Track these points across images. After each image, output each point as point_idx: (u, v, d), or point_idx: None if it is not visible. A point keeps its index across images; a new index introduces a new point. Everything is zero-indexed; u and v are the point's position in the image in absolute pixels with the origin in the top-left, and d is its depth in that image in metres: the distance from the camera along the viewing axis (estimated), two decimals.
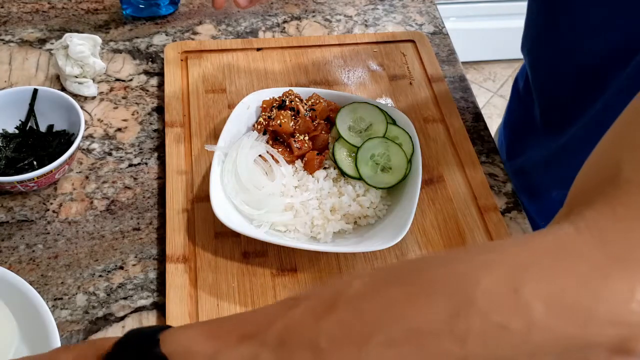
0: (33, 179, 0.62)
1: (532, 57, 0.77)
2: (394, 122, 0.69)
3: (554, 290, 0.27)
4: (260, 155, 0.65)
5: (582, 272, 0.28)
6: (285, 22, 0.90)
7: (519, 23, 0.77)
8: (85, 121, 0.69)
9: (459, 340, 0.27)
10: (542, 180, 0.78)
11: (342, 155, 0.66)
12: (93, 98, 0.76)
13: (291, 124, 0.66)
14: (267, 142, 0.67)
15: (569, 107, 0.71)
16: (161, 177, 0.69)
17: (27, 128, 0.68)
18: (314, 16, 0.91)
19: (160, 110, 0.76)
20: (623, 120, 0.34)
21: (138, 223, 0.65)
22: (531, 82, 0.80)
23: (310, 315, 0.30)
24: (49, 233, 0.63)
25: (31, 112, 0.69)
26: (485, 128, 0.78)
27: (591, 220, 0.29)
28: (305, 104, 0.69)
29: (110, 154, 0.71)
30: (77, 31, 0.84)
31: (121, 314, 0.58)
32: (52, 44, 0.83)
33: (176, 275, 0.59)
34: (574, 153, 0.71)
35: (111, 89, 0.78)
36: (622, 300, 0.27)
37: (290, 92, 0.70)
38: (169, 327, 0.34)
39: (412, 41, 0.86)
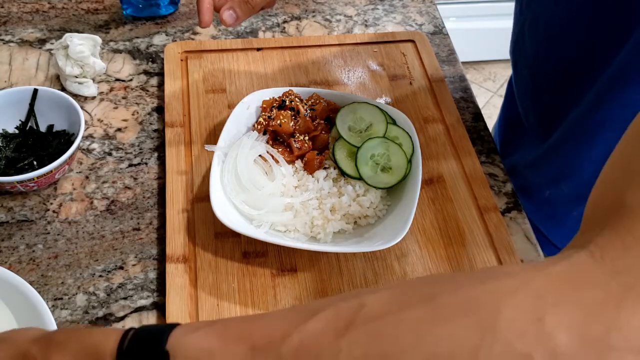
0: (33, 179, 0.62)
1: (515, 59, 0.77)
2: (394, 122, 0.69)
3: (575, 319, 0.28)
4: (260, 155, 0.65)
5: (599, 301, 0.28)
6: (285, 22, 0.90)
7: None
8: (85, 121, 0.69)
9: None
10: (534, 179, 0.78)
11: (342, 155, 0.66)
12: (93, 98, 0.76)
13: (291, 124, 0.66)
14: (267, 142, 0.67)
15: (551, 110, 0.71)
16: (161, 177, 0.69)
17: (27, 128, 0.68)
18: (314, 16, 0.91)
19: (160, 110, 0.76)
20: (623, 145, 0.35)
21: (138, 223, 0.65)
22: (514, 85, 0.80)
23: (329, 332, 0.29)
24: (49, 233, 0.63)
25: (31, 112, 0.69)
26: (485, 128, 0.78)
27: (604, 248, 0.30)
28: (305, 104, 0.69)
29: (110, 154, 0.71)
30: (77, 31, 0.84)
31: (121, 314, 0.58)
32: (52, 44, 0.83)
33: (176, 275, 0.59)
34: (560, 155, 0.71)
35: (111, 89, 0.78)
36: (636, 329, 0.27)
37: (290, 92, 0.70)
38: (175, 325, 0.33)
39: (412, 41, 0.86)
